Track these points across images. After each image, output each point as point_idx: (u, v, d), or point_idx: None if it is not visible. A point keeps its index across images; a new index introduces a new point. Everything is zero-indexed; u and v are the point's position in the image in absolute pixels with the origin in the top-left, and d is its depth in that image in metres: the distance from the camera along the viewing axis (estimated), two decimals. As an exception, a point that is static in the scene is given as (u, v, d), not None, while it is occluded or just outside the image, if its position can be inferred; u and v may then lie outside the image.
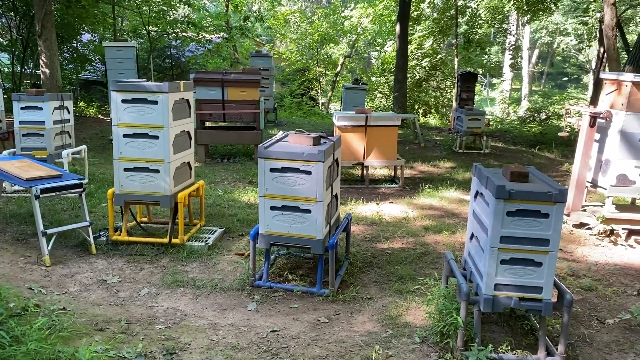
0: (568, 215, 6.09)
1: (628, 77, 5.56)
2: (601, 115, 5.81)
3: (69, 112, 7.23)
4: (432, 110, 21.44)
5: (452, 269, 3.74)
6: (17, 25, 15.21)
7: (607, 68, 11.76)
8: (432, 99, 21.90)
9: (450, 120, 14.37)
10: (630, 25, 24.37)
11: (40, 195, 4.57)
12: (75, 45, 16.63)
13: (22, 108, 6.76)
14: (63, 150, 6.92)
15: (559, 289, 3.34)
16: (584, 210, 6.15)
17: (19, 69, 15.38)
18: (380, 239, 5.55)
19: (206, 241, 5.18)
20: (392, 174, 8.64)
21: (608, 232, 5.72)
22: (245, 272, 4.55)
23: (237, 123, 9.57)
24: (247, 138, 9.27)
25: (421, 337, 3.55)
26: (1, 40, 15.90)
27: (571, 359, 3.37)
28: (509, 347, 3.40)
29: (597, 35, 16.90)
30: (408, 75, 17.22)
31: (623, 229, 5.69)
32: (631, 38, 18.66)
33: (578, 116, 6.24)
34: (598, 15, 15.79)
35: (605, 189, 5.77)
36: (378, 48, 25.69)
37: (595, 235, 5.77)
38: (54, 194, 4.79)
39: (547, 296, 3.22)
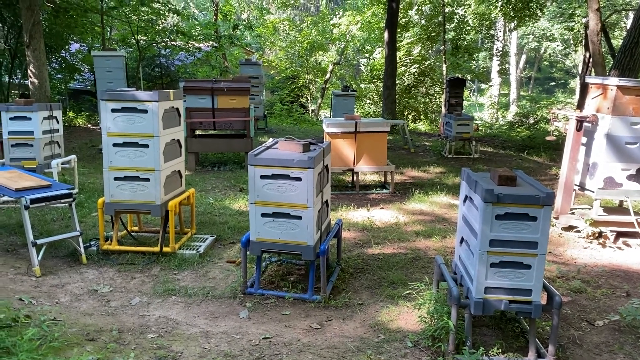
0: (557, 218, 6.15)
1: (613, 81, 5.64)
2: (587, 119, 5.88)
3: (58, 122, 7.20)
4: (421, 116, 21.57)
5: (442, 273, 3.77)
6: (5, 36, 15.15)
7: (592, 72, 11.90)
8: (421, 105, 22.04)
9: (439, 125, 14.47)
10: (615, 30, 24.71)
11: (30, 206, 4.55)
12: (63, 54, 16.57)
13: (10, 118, 6.72)
14: (52, 160, 6.89)
15: (548, 291, 3.38)
16: (573, 213, 6.21)
17: (7, 79, 15.30)
18: (371, 245, 5.58)
19: (197, 249, 5.17)
20: (382, 179, 8.68)
21: (597, 235, 5.78)
22: (236, 280, 4.55)
23: (227, 131, 9.58)
24: (238, 146, 9.27)
25: (413, 342, 3.57)
26: (-11, 50, 15.85)
27: (561, 360, 3.40)
28: (500, 350, 3.43)
29: (583, 41, 17.11)
30: (397, 81, 17.33)
31: (611, 231, 5.76)
32: (616, 43, 18.92)
33: (565, 120, 6.31)
34: (583, 20, 15.99)
35: (593, 192, 5.83)
36: (367, 55, 25.85)
37: (584, 237, 5.83)
38: (43, 204, 4.77)
39: (536, 298, 3.25)
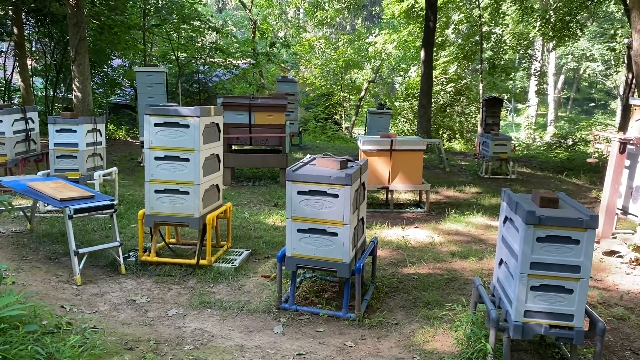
0: (598, 242, 5.98)
1: (658, 103, 5.51)
2: (631, 142, 5.74)
3: (101, 135, 7.41)
4: (457, 135, 21.38)
5: (480, 294, 3.71)
6: (51, 51, 15.76)
7: (636, 94, 11.63)
8: (457, 124, 21.86)
9: (475, 145, 14.32)
10: (659, 51, 24.06)
11: (74, 216, 4.68)
12: (105, 69, 17.10)
13: (57, 131, 6.94)
14: (95, 171, 7.08)
15: (591, 317, 3.29)
16: (615, 238, 6.04)
17: (51, 92, 15.87)
18: (406, 264, 5.53)
19: (233, 263, 5.22)
20: (417, 198, 8.61)
21: (640, 261, 5.61)
22: (271, 295, 4.57)
23: (263, 146, 9.69)
24: (273, 161, 9.36)
25: (449, 364, 3.52)
26: (36, 65, 16.48)
27: (604, 389, 3.30)
28: (540, 376, 3.34)
29: (625, 61, 16.74)
30: (432, 100, 17.25)
31: (655, 257, 5.58)
32: (660, 64, 18.39)
33: (607, 142, 6.18)
34: (626, 41, 15.68)
35: (637, 216, 5.67)
36: (402, 73, 25.83)
37: (626, 263, 5.65)
38: (86, 214, 4.91)
39: (578, 324, 3.17)
